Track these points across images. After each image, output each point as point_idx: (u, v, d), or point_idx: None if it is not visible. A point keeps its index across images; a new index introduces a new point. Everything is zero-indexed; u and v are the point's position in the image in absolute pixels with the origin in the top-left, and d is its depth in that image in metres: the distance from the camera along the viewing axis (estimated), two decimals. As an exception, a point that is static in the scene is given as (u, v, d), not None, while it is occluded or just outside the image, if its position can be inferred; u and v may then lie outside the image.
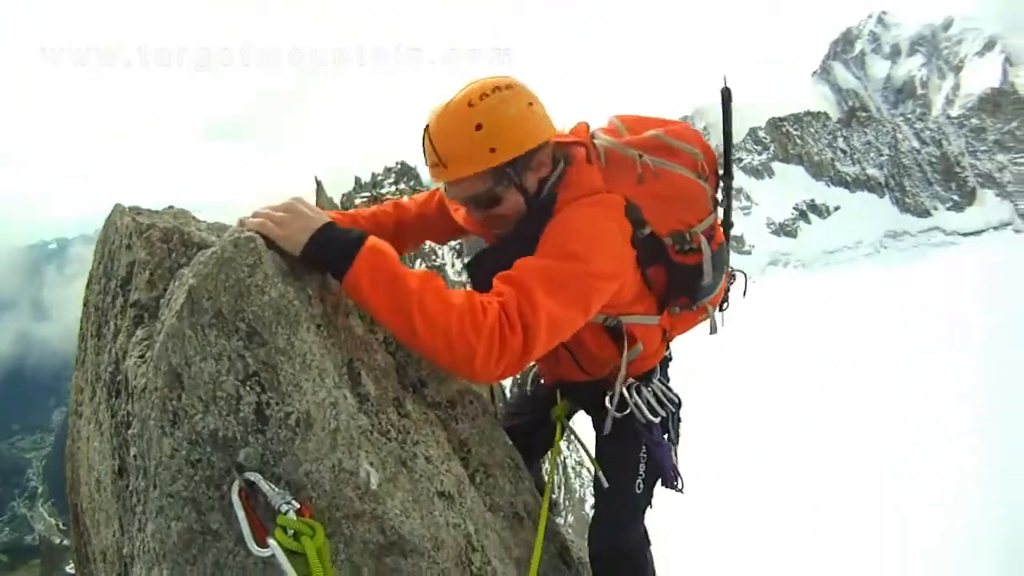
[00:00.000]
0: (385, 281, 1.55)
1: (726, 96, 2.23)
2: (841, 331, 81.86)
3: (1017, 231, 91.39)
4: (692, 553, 44.32)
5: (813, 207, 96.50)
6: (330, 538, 1.44)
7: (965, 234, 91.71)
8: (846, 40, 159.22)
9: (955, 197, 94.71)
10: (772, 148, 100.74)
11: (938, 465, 59.26)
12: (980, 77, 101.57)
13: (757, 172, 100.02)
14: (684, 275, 2.19)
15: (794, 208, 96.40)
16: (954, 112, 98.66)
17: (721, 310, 2.55)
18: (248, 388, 1.39)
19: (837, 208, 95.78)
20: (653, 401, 2.35)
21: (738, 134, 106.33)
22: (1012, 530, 46.96)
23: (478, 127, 1.79)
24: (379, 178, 44.63)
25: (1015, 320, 78.42)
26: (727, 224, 2.34)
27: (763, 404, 67.75)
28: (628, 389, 2.29)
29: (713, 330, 2.48)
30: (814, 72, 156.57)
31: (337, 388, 1.54)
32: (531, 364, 2.67)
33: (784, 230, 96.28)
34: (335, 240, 1.56)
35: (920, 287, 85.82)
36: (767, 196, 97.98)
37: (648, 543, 2.59)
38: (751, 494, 54.10)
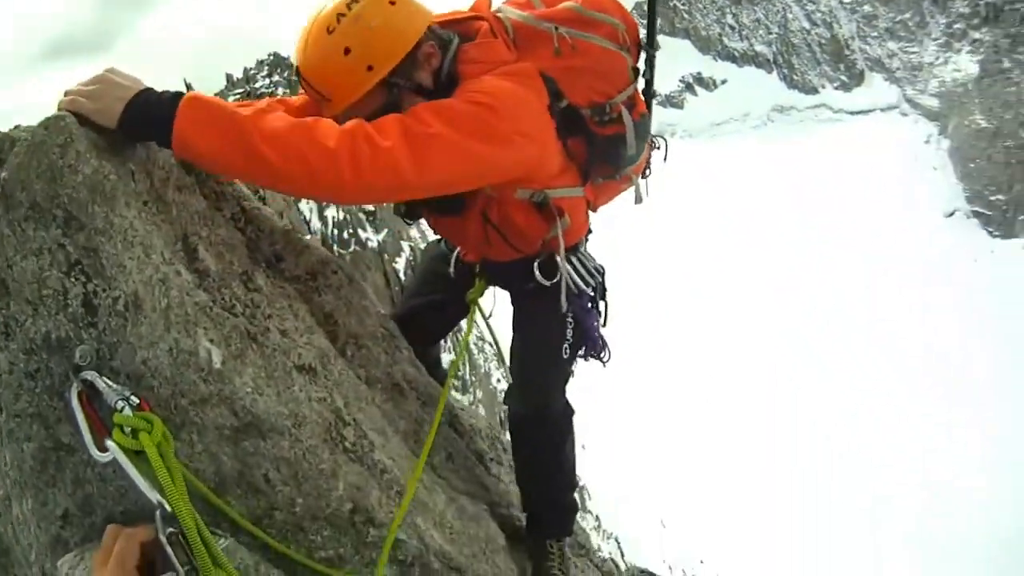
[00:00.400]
0: (214, 124, 1.43)
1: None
2: (731, 202, 78.85)
3: (904, 114, 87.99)
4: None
5: (700, 80, 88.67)
6: (181, 429, 1.36)
7: (852, 112, 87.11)
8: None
9: (843, 78, 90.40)
10: (659, 21, 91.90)
11: (829, 330, 61.51)
12: None
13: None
14: (606, 145, 2.18)
15: (680, 80, 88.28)
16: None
17: (644, 178, 2.54)
18: (73, 279, 1.28)
19: (724, 82, 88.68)
20: (582, 270, 2.33)
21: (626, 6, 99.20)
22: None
23: (346, 51, 1.72)
24: (252, 72, 40.17)
25: (899, 196, 78.96)
26: (649, 94, 2.35)
27: (656, 272, 64.93)
28: (557, 260, 2.24)
29: (638, 200, 2.48)
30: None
31: (167, 264, 1.45)
32: (453, 247, 2.58)
33: (671, 101, 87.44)
34: (151, 103, 1.41)
35: (807, 160, 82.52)
36: (656, 70, 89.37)
37: (572, 411, 2.61)
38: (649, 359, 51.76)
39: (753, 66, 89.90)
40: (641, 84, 2.27)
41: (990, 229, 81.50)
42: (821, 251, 71.79)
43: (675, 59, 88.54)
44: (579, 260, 2.34)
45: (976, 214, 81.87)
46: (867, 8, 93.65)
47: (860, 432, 51.31)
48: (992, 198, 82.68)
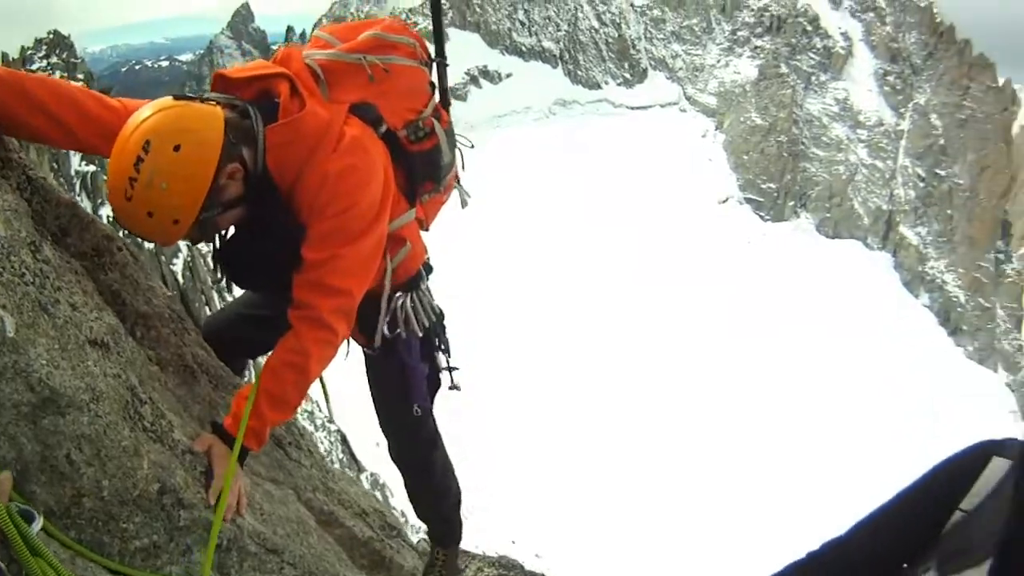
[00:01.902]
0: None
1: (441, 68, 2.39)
2: (511, 190, 75.07)
3: (683, 110, 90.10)
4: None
5: (485, 73, 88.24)
6: None
7: (632, 108, 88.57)
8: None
9: (626, 75, 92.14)
10: (450, 14, 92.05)
11: (616, 310, 63.29)
12: None
13: (429, 35, 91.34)
14: (425, 161, 2.29)
15: (466, 73, 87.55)
16: (639, 1, 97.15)
17: (458, 182, 2.65)
18: None
19: (509, 75, 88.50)
20: (421, 311, 2.38)
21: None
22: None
23: (149, 215, 1.76)
24: (29, 52, 36.80)
25: (677, 184, 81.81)
26: (446, 102, 2.51)
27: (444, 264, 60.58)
28: (394, 300, 2.30)
29: (464, 204, 2.66)
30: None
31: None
32: None
33: (454, 94, 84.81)
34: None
35: (587, 151, 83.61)
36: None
37: (436, 447, 2.75)
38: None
39: (539, 61, 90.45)
40: (438, 96, 2.39)
41: (761, 214, 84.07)
42: (602, 235, 71.95)
43: (463, 52, 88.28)
44: (417, 297, 2.36)
45: (749, 200, 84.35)
46: (656, 12, 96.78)
47: (628, 411, 51.66)
48: (764, 186, 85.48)
